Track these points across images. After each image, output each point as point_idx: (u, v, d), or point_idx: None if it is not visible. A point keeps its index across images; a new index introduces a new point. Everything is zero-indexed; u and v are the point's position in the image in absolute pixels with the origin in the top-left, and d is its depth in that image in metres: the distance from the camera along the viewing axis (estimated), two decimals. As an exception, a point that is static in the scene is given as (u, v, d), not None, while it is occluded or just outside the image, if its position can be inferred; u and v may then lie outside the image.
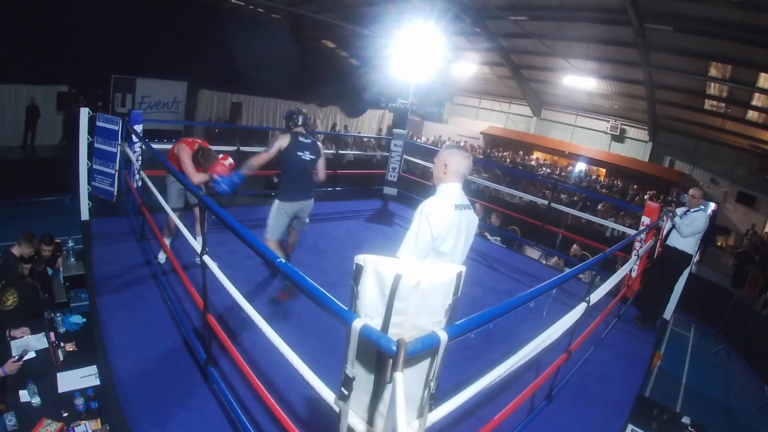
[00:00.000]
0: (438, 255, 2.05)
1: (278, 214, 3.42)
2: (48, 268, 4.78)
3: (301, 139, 3.40)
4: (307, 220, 3.70)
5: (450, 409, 1.47)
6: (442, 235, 2.01)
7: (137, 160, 4.38)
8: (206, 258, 2.29)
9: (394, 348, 1.07)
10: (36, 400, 2.59)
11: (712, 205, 13.77)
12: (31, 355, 2.92)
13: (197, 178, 3.58)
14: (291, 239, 3.77)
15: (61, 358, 2.97)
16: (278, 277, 3.68)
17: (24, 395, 2.61)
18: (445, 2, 11.66)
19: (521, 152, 16.97)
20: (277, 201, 3.43)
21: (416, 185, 7.68)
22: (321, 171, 3.58)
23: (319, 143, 3.55)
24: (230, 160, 3.60)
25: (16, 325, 3.25)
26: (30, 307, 3.69)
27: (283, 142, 3.35)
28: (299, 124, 3.46)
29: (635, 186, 14.12)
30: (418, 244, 1.99)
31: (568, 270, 4.17)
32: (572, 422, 2.76)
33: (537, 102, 17.88)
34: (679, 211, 4.20)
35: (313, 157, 3.45)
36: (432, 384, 1.28)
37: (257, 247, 1.74)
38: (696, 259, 5.46)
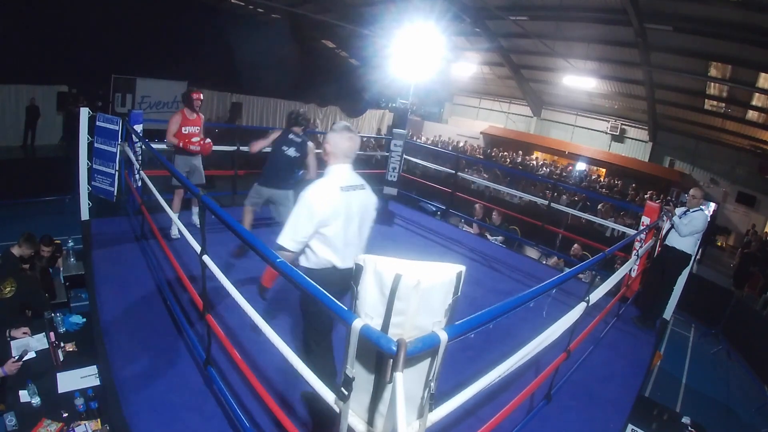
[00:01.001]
0: (324, 240, 2.00)
1: (254, 191, 4.01)
2: (48, 268, 4.77)
3: (291, 137, 3.87)
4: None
5: (450, 409, 1.47)
6: (324, 220, 1.97)
7: (137, 160, 4.38)
8: (206, 258, 2.29)
9: (394, 348, 1.08)
10: (36, 400, 2.59)
11: (712, 205, 13.75)
12: (31, 355, 2.91)
13: (173, 140, 4.21)
14: None
15: (61, 358, 2.97)
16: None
17: (24, 395, 2.61)
18: (445, 2, 11.65)
19: (521, 152, 16.96)
20: (256, 183, 4.01)
21: (416, 185, 7.67)
22: (310, 168, 4.03)
23: (309, 143, 4.01)
24: (209, 140, 4.42)
25: (14, 319, 3.24)
26: (28, 298, 3.67)
27: (275, 135, 3.88)
28: (294, 125, 3.90)
29: (635, 186, 14.12)
30: (297, 230, 1.95)
31: (568, 270, 4.17)
32: (572, 422, 2.76)
33: (537, 102, 17.87)
34: (679, 211, 4.21)
35: (298, 154, 3.89)
36: (432, 384, 1.28)
37: (257, 247, 1.74)
38: (696, 258, 5.46)
